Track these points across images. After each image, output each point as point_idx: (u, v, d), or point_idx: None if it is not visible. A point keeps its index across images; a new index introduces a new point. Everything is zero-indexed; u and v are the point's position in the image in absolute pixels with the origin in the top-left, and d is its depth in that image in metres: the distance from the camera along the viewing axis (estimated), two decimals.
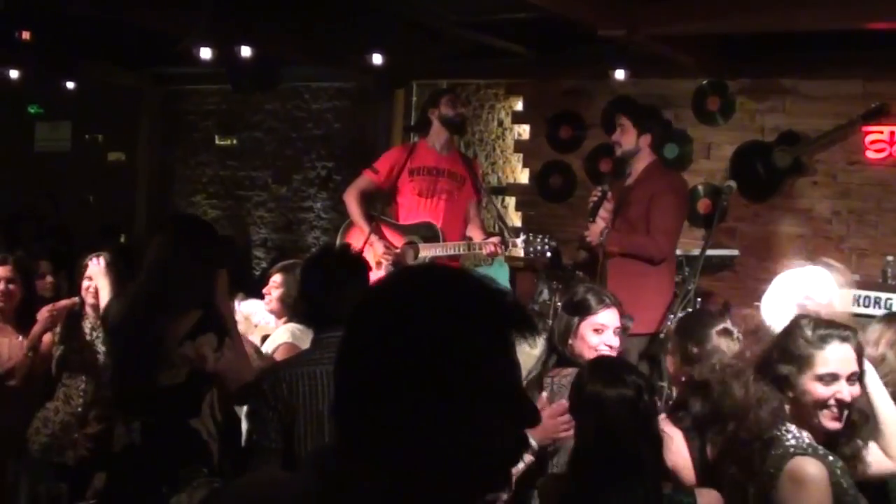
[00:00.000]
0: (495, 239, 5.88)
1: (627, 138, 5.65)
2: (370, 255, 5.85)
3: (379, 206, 6.38)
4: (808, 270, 4.13)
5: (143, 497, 3.30)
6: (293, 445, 3.12)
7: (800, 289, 3.86)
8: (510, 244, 5.80)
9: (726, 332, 3.59)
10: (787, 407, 2.93)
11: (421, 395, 1.37)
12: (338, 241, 6.31)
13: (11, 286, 5.12)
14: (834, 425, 2.92)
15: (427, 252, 5.95)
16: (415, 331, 1.39)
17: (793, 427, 2.89)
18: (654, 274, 5.58)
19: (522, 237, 5.81)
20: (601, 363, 3.26)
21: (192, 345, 3.43)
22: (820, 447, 2.88)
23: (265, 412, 3.14)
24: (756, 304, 6.53)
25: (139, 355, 3.50)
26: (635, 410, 2.89)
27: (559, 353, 3.76)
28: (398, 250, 5.99)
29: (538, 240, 5.74)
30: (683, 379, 3.57)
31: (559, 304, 4.12)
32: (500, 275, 5.38)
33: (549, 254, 5.82)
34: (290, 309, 4.91)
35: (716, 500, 3.02)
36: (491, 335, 1.42)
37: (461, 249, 5.96)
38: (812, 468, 2.79)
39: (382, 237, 6.08)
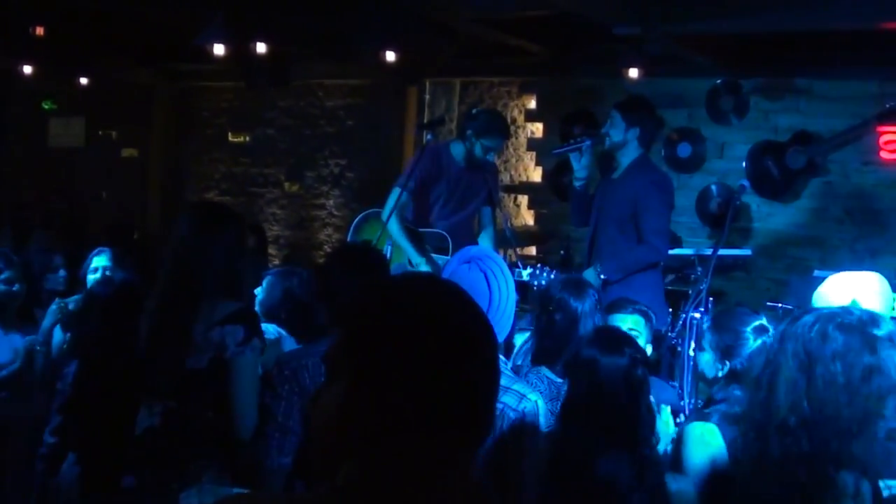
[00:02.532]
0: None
1: (616, 130, 5.64)
2: (395, 257, 5.96)
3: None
4: (859, 274, 4.11)
5: (157, 484, 3.31)
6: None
7: (848, 292, 3.82)
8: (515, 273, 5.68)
9: (762, 329, 3.58)
10: None
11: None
12: (349, 238, 6.32)
13: None
14: None
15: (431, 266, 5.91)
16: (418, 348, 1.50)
17: None
18: (651, 273, 5.57)
19: (529, 270, 5.64)
20: (602, 332, 3.37)
21: (220, 331, 3.41)
22: None
23: (290, 394, 3.24)
24: (768, 303, 6.55)
25: (168, 338, 3.49)
26: (628, 380, 3.01)
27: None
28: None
29: (544, 273, 5.61)
30: (719, 375, 3.56)
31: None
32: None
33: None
34: (269, 313, 4.82)
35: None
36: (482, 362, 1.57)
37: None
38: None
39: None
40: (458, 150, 6.10)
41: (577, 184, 5.83)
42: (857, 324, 2.41)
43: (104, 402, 3.69)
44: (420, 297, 1.56)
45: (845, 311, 2.54)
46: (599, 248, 5.65)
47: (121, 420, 3.57)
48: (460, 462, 1.54)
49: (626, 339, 3.21)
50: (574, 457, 2.98)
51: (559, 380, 3.70)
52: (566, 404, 3.12)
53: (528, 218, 8.92)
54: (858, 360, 2.35)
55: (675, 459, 3.17)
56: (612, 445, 2.96)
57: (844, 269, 5.66)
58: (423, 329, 1.51)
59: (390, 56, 7.61)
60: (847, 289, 3.87)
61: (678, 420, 4.14)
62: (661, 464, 3.14)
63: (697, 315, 4.92)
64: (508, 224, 6.74)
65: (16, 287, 5.09)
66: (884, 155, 7.27)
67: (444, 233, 6.04)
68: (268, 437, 3.26)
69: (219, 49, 7.17)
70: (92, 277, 5.23)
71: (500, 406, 2.88)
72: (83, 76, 9.82)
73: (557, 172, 8.58)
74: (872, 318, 2.45)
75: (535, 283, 5.50)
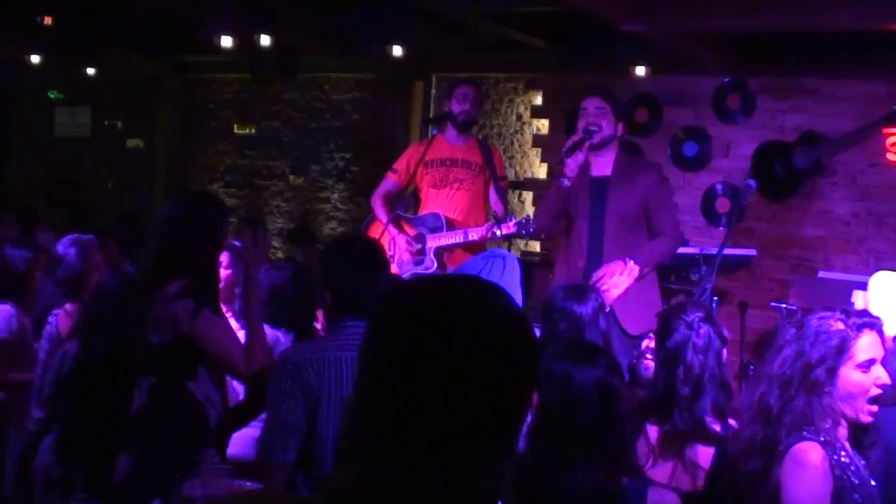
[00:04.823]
0: (487, 225, 5.89)
1: (608, 123, 5.38)
2: (395, 250, 6.05)
3: (400, 203, 6.43)
4: None
5: (159, 472, 3.33)
6: (316, 427, 3.20)
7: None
8: (502, 228, 5.75)
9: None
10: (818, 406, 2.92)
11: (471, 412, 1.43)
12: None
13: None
14: (868, 419, 2.95)
15: (433, 242, 6.04)
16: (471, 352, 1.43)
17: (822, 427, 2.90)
18: (650, 273, 5.52)
19: (515, 219, 5.77)
20: (571, 343, 3.36)
21: (172, 306, 3.50)
22: (839, 442, 2.91)
23: (294, 391, 3.21)
24: (772, 304, 6.55)
25: (133, 315, 3.59)
26: (603, 391, 2.98)
27: None
28: (419, 246, 6.06)
29: (530, 221, 5.71)
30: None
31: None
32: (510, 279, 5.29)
33: (543, 235, 5.84)
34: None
35: (671, 499, 3.12)
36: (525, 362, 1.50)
37: (458, 238, 6.00)
38: (815, 454, 2.84)
39: (402, 231, 6.15)
40: (449, 131, 6.23)
41: (568, 183, 5.42)
42: None
43: (99, 381, 3.73)
44: (449, 295, 1.49)
45: None
46: (605, 246, 5.49)
47: (113, 401, 3.64)
48: (477, 477, 1.45)
49: (598, 349, 3.21)
50: (544, 470, 2.95)
51: None
52: (537, 418, 3.06)
53: (531, 214, 8.91)
54: None
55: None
56: (585, 457, 2.93)
57: (850, 271, 5.68)
58: (449, 328, 1.44)
59: (397, 50, 7.61)
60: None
61: None
62: (641, 475, 3.12)
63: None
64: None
65: None
66: (890, 156, 7.26)
67: (437, 212, 6.10)
68: (273, 434, 3.24)
69: (226, 41, 7.17)
70: None
71: None
72: (90, 66, 9.83)
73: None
74: None
75: (524, 232, 5.62)
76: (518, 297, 3.72)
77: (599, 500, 2.92)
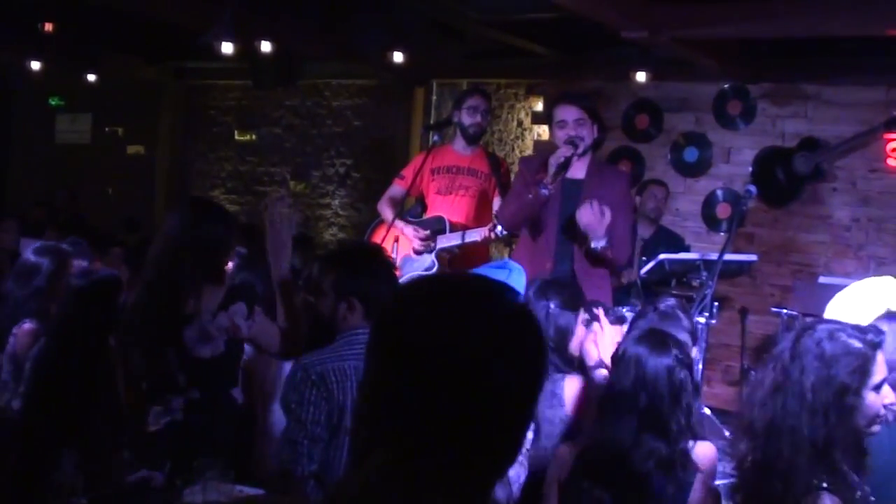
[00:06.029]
0: (489, 226, 5.89)
1: (588, 131, 5.19)
2: (401, 248, 6.08)
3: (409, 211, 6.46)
4: (887, 280, 4.06)
5: (175, 475, 3.33)
6: (339, 436, 3.20)
7: (880, 300, 3.77)
8: (501, 229, 5.75)
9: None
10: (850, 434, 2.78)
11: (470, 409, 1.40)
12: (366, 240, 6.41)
13: None
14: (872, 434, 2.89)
15: (440, 244, 6.05)
16: (472, 350, 1.41)
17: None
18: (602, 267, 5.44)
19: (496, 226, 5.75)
20: (650, 332, 3.39)
21: (225, 315, 3.54)
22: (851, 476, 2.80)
23: (318, 400, 3.20)
24: (773, 309, 6.55)
25: (173, 334, 3.56)
26: (671, 379, 3.11)
27: None
28: (427, 231, 6.08)
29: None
30: None
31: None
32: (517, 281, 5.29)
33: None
34: None
35: (709, 451, 3.20)
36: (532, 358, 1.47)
37: (459, 239, 6.02)
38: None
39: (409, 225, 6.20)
40: (457, 141, 6.21)
41: (548, 192, 5.17)
42: None
43: (64, 384, 3.72)
44: (451, 294, 1.47)
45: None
46: (575, 248, 5.18)
47: (81, 405, 3.64)
48: (478, 483, 1.44)
49: (674, 341, 3.26)
50: (609, 448, 3.09)
51: None
52: (606, 398, 3.21)
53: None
54: None
55: None
56: (648, 440, 3.07)
57: (850, 276, 5.66)
58: (450, 328, 1.41)
59: (398, 57, 7.61)
60: (875, 296, 3.83)
61: None
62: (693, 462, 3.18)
63: (702, 320, 4.91)
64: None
65: None
66: (891, 162, 7.26)
67: (441, 215, 6.11)
68: (296, 444, 3.20)
69: (226, 47, 7.17)
70: None
71: None
72: (91, 73, 9.84)
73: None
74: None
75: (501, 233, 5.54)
76: None
77: (665, 468, 3.07)
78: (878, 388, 2.80)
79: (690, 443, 3.18)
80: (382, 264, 3.53)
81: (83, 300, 3.93)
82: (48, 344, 3.95)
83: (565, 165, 5.11)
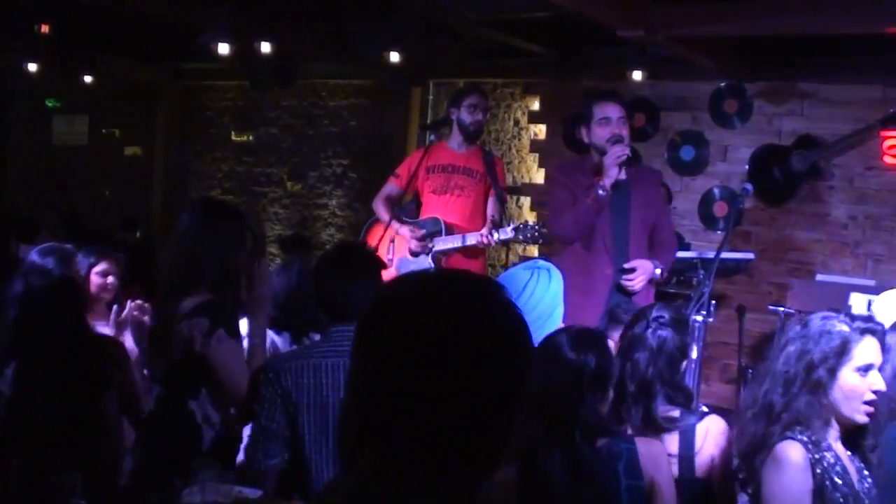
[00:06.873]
0: (484, 229, 5.92)
1: (628, 130, 5.24)
2: (397, 249, 6.13)
3: (402, 209, 6.46)
4: None
5: (159, 479, 3.34)
6: (297, 433, 3.25)
7: None
8: (500, 233, 5.81)
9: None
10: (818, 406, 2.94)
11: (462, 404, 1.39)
12: (360, 240, 6.41)
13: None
14: (864, 419, 2.98)
15: (438, 245, 6.07)
16: (460, 344, 1.40)
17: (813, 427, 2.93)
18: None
19: (512, 224, 5.81)
20: (576, 330, 3.24)
21: (187, 324, 3.49)
22: (826, 441, 2.93)
23: (273, 397, 3.26)
24: (770, 307, 6.56)
25: (161, 327, 3.66)
26: (579, 381, 2.99)
27: None
28: (423, 231, 6.10)
29: (528, 227, 5.73)
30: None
31: None
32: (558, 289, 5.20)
33: (541, 240, 5.89)
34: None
35: (657, 450, 3.11)
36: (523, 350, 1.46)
37: (456, 243, 6.04)
38: (794, 453, 2.88)
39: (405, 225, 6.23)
40: (453, 139, 6.23)
41: (606, 193, 5.13)
42: None
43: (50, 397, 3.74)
44: (434, 293, 1.45)
45: None
46: (630, 252, 5.26)
47: (71, 414, 3.70)
48: (467, 483, 1.42)
49: (599, 342, 3.17)
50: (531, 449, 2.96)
51: None
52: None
53: (530, 219, 8.90)
54: None
55: None
56: (552, 441, 2.93)
57: (847, 274, 5.68)
58: (434, 326, 1.39)
59: (394, 57, 7.61)
60: None
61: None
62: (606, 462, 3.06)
63: (700, 318, 4.92)
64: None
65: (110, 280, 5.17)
66: (887, 160, 7.25)
67: (437, 216, 6.12)
68: (254, 441, 3.30)
69: (223, 48, 7.17)
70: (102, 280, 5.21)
71: None
72: (87, 74, 9.84)
73: None
74: None
75: (522, 237, 5.66)
76: (561, 310, 3.71)
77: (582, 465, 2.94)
78: (863, 371, 2.91)
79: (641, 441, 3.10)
80: (348, 263, 3.49)
81: (40, 302, 3.96)
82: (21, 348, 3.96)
83: (624, 165, 5.12)
